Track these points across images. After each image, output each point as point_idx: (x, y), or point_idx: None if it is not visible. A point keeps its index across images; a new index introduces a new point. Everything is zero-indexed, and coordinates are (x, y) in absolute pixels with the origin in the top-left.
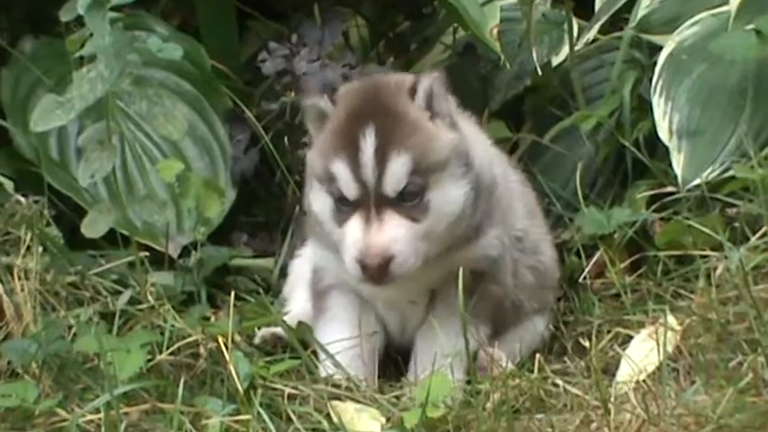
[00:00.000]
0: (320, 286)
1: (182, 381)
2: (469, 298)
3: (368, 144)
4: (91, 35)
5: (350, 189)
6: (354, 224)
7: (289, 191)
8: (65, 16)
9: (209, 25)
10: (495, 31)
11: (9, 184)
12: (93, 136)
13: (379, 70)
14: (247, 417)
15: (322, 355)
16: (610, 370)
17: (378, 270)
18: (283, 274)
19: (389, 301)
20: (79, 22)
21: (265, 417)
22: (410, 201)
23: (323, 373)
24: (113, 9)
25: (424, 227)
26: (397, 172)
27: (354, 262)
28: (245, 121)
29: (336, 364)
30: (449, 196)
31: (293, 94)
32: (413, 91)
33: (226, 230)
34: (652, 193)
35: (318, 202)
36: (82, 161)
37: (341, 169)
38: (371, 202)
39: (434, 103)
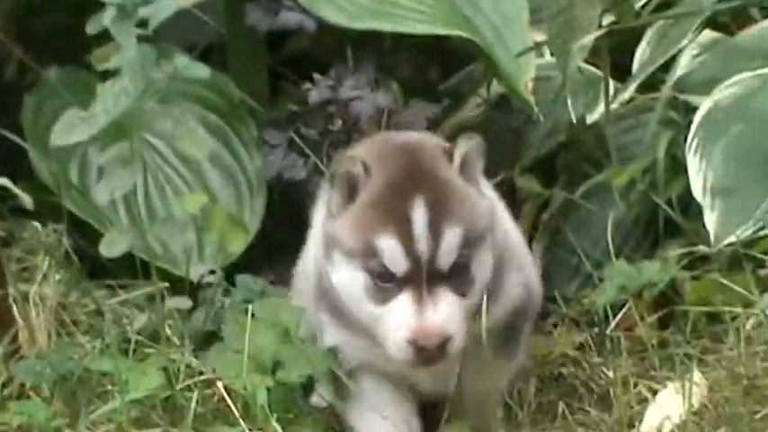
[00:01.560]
0: (343, 367)
1: (193, 405)
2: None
3: (420, 216)
4: (117, 51)
5: (399, 264)
6: (404, 303)
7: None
8: (90, 29)
9: (240, 74)
10: (529, 84)
11: (28, 201)
12: (116, 154)
13: (426, 106)
14: None
15: None
16: (634, 423)
17: (435, 351)
18: None
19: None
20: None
21: None
22: (458, 275)
23: None
24: (140, 26)
25: (470, 302)
26: (452, 244)
27: (406, 344)
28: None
29: None
30: (486, 267)
31: (341, 122)
32: (450, 156)
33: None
34: (684, 251)
35: (346, 278)
36: (102, 179)
37: (389, 244)
38: (423, 278)
39: (469, 168)
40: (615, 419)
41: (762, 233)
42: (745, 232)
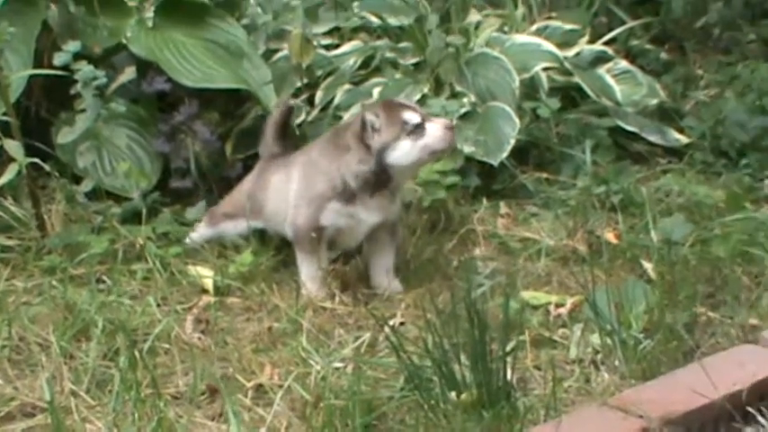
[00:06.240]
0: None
1: (120, 254)
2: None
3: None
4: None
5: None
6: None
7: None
8: (72, 90)
9: (143, 108)
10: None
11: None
12: (86, 146)
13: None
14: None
15: None
16: None
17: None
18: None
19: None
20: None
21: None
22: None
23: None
24: (97, 88)
25: None
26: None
27: (447, 129)
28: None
29: None
30: None
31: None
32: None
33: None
34: None
35: (404, 148)
36: (80, 157)
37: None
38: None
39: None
40: None
41: None
42: None
